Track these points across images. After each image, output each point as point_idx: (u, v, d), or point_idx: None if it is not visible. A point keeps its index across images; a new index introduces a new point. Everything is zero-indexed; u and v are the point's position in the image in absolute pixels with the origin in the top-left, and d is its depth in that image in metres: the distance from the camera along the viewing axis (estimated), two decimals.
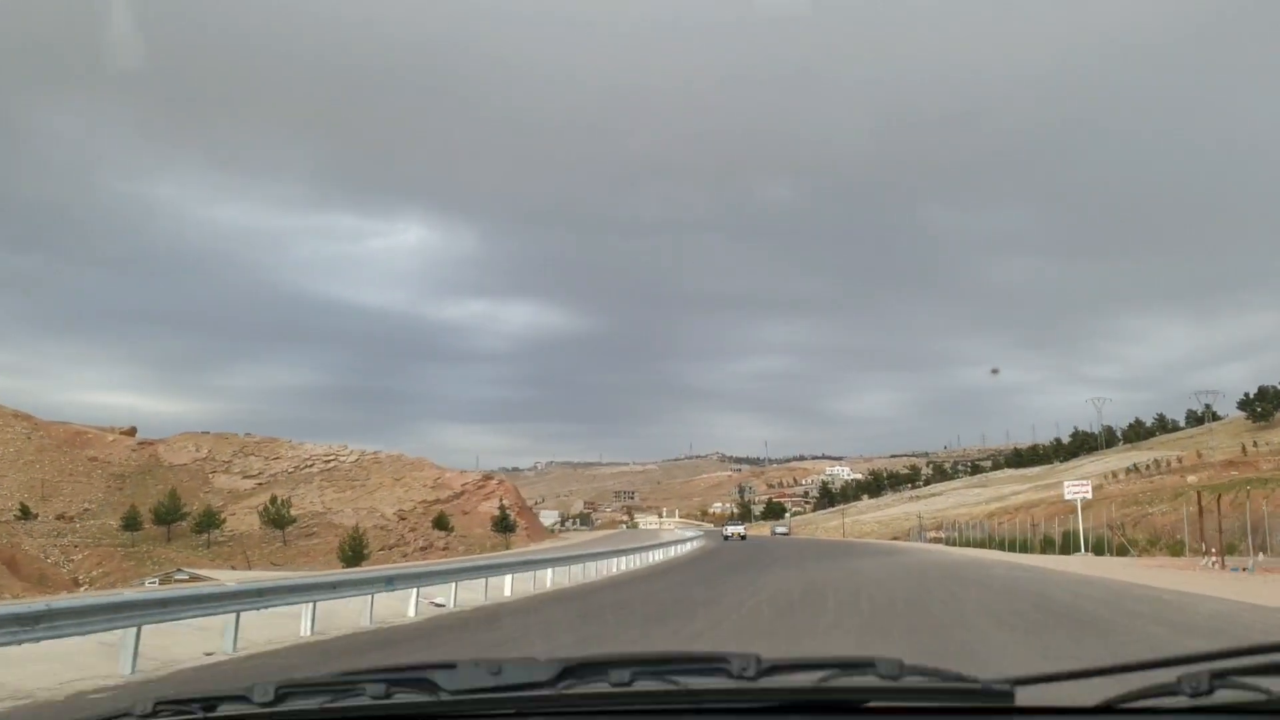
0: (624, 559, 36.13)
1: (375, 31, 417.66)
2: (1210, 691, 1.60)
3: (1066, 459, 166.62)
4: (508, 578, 23.49)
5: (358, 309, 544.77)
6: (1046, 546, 49.05)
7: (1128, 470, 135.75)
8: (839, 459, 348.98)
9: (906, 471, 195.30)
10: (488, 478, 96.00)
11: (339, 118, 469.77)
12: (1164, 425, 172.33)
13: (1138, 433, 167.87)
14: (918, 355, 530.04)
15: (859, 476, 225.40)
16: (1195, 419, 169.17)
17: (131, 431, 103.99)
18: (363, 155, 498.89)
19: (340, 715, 1.95)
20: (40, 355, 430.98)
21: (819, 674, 1.85)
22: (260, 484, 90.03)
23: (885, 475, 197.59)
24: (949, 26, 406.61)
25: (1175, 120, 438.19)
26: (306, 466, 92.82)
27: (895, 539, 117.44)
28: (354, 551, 61.30)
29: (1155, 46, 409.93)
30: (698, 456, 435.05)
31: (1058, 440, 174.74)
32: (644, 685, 1.90)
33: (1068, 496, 47.94)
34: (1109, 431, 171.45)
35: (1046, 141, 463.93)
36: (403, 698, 1.99)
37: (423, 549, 71.17)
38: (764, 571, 30.52)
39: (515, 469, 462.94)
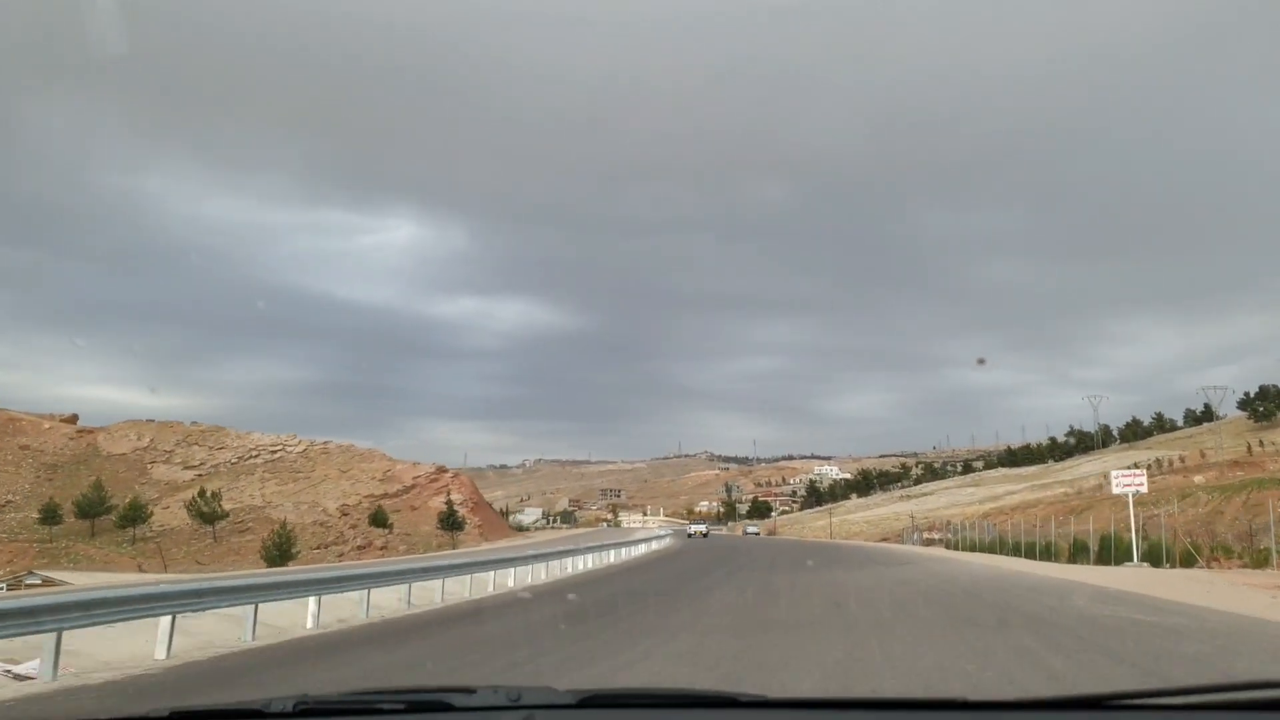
0: (572, 559, 32.77)
1: (366, 28, 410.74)
2: None
3: (1061, 458, 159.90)
4: (437, 582, 20.62)
5: (349, 305, 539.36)
6: (1078, 554, 41.27)
7: (1128, 469, 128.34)
8: (828, 459, 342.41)
9: (896, 470, 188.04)
10: (441, 470, 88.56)
11: (330, 114, 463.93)
12: (1161, 425, 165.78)
13: (1135, 432, 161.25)
14: (908, 356, 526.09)
15: (848, 476, 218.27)
16: (1194, 418, 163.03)
17: (73, 419, 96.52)
18: (354, 152, 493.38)
19: None
20: (32, 350, 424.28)
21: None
22: (200, 475, 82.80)
23: (875, 474, 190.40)
24: (942, 28, 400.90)
25: (1166, 124, 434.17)
26: (251, 457, 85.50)
27: (885, 540, 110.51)
28: (280, 550, 54.09)
29: (1146, 50, 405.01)
30: (686, 455, 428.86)
31: (1052, 439, 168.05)
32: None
33: (1117, 490, 39.79)
34: (1105, 431, 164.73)
35: (1038, 144, 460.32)
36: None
37: (360, 548, 64.20)
38: (710, 593, 22.69)
39: (504, 466, 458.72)
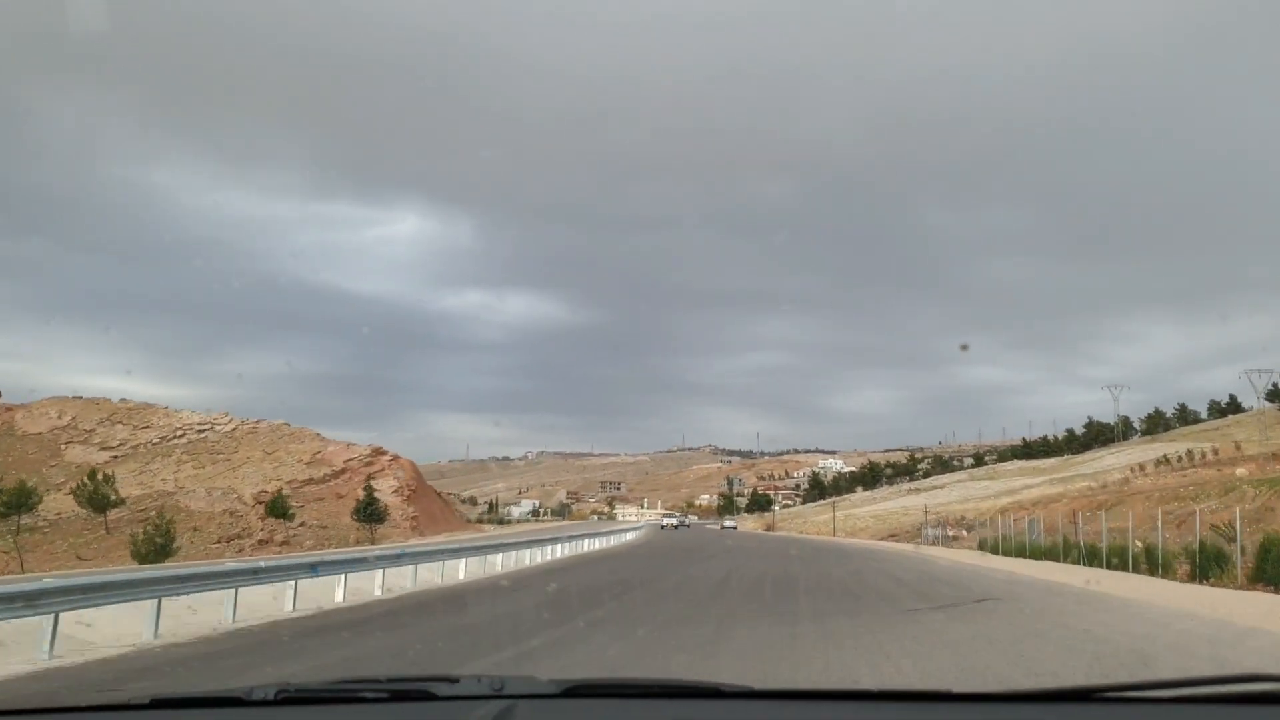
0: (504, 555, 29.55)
1: (373, 23, 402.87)
2: None
3: (1078, 451, 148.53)
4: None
5: (355, 297, 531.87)
6: (1213, 565, 26.98)
7: (1156, 462, 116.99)
8: (832, 453, 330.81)
9: (904, 462, 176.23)
10: (378, 452, 77.56)
11: (335, 107, 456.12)
12: (1184, 417, 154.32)
13: (1157, 424, 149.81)
14: (912, 353, 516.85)
15: (852, 469, 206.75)
16: (1218, 410, 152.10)
17: None
18: (360, 145, 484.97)
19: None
20: (38, 340, 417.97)
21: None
22: (116, 457, 72.56)
23: (882, 467, 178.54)
24: (945, 26, 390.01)
25: (1171, 122, 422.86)
26: (176, 437, 75.13)
27: (893, 536, 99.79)
28: (155, 546, 43.42)
29: (1151, 49, 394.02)
30: (690, 449, 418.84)
31: (1070, 432, 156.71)
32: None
33: None
34: (1125, 423, 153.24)
35: (1040, 142, 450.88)
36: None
37: (262, 542, 53.70)
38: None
39: (506, 458, 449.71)
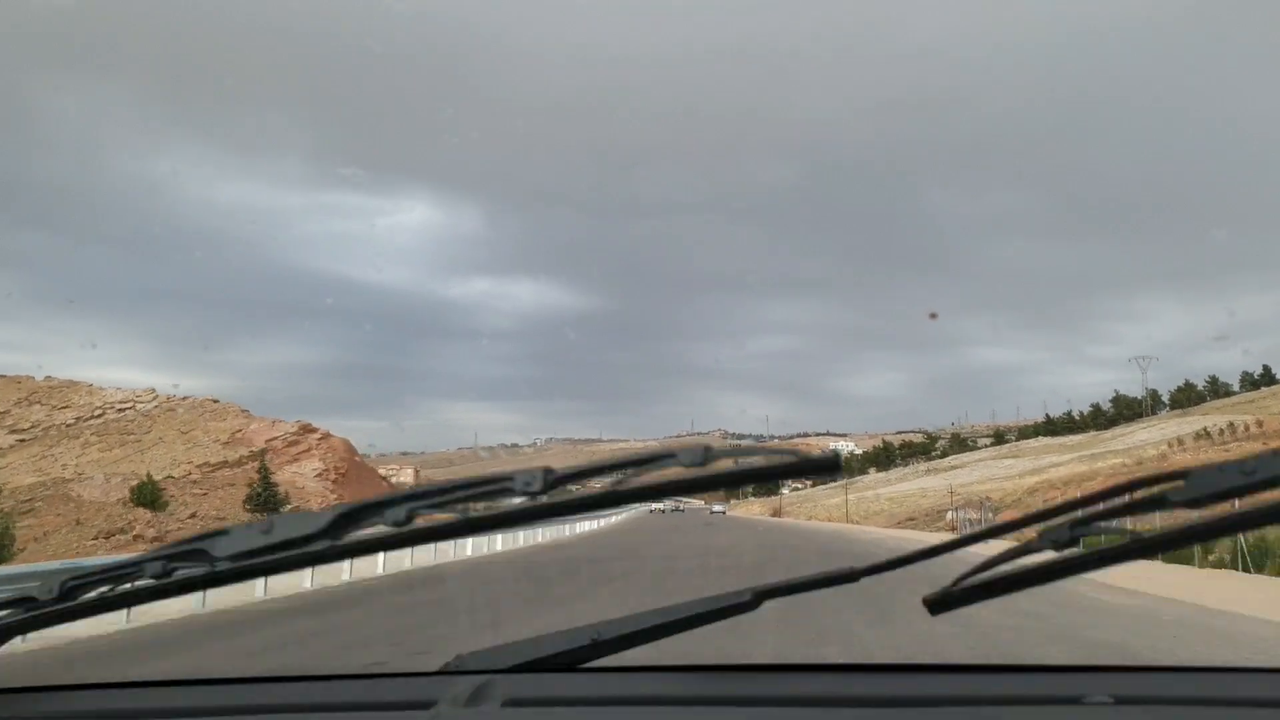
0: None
1: (377, 10, 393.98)
2: (1073, 542, 1.57)
3: (1105, 427, 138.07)
4: None
5: (363, 286, 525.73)
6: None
7: (1196, 436, 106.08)
8: (843, 435, 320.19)
9: (922, 441, 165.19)
10: (306, 430, 67.70)
11: (342, 97, 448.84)
12: (1215, 389, 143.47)
13: (1188, 397, 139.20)
14: (922, 335, 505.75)
15: (864, 451, 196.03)
16: (1250, 382, 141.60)
17: None
18: (366, 134, 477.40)
19: (126, 598, 1.80)
20: (49, 332, 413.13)
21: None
22: (23, 440, 63.37)
23: (897, 446, 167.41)
24: (947, 5, 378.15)
25: (1175, 98, 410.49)
26: (94, 416, 65.78)
27: (910, 520, 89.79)
28: None
29: (1156, 27, 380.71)
30: (699, 433, 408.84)
31: (1095, 407, 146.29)
32: (425, 518, 1.68)
33: None
34: (1154, 397, 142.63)
35: (1045, 122, 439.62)
36: (183, 571, 1.77)
37: (137, 537, 44.20)
38: None
39: (515, 445, 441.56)
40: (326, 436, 67.03)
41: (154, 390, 68.42)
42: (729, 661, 1.92)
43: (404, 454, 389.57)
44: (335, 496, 58.01)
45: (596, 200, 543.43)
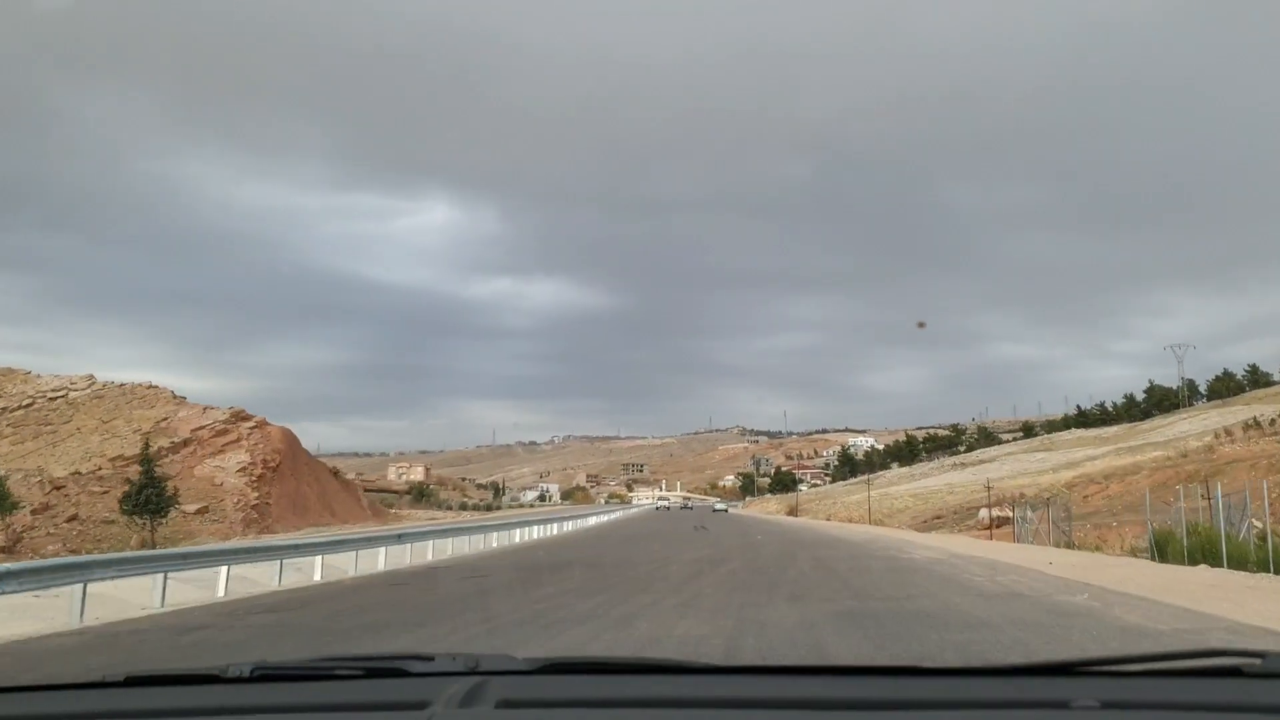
0: None
1: (394, 17, 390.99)
2: None
3: (1139, 419, 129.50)
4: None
5: (386, 287, 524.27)
6: None
7: (1245, 426, 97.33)
8: (862, 431, 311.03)
9: (948, 434, 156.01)
10: (239, 418, 59.52)
11: (361, 100, 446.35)
12: (1256, 379, 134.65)
13: (1227, 387, 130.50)
14: (941, 331, 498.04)
15: (885, 445, 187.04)
16: None
17: None
18: (386, 137, 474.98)
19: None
20: (73, 334, 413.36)
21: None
22: None
23: (921, 440, 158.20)
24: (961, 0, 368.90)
25: (1197, 91, 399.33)
26: (24, 405, 58.82)
27: (938, 518, 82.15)
28: None
29: (1175, 17, 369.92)
30: (718, 430, 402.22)
31: (1129, 398, 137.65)
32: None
33: None
34: (1191, 386, 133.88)
35: (1061, 117, 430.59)
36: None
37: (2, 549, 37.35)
38: None
39: (532, 443, 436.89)
40: (261, 425, 59.38)
41: (93, 377, 61.60)
42: (723, 664, 2.00)
43: (423, 452, 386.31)
44: (256, 496, 50.80)
45: (613, 199, 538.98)
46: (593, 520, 56.30)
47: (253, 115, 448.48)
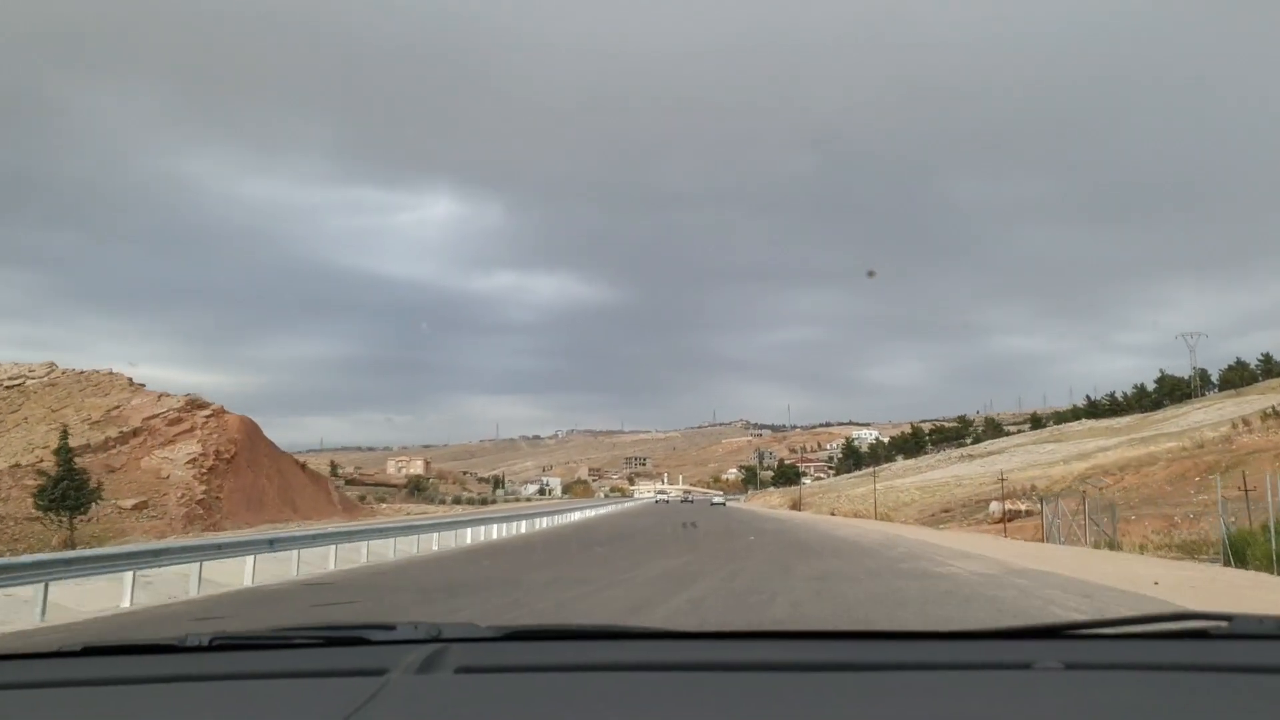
0: None
1: (396, 10, 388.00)
2: None
3: (1150, 409, 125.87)
4: None
5: (388, 281, 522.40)
6: None
7: (1263, 415, 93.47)
8: (866, 425, 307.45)
9: (954, 425, 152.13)
10: (195, 405, 55.74)
11: (362, 93, 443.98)
12: (1269, 368, 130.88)
13: (1241, 376, 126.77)
14: (944, 324, 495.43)
15: (890, 438, 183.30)
16: None
17: None
18: (389, 132, 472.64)
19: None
20: (77, 330, 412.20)
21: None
22: None
23: (927, 432, 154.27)
24: None
25: (1203, 84, 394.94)
26: None
27: (946, 511, 78.81)
28: None
29: (1181, 9, 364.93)
30: (721, 424, 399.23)
31: (1139, 388, 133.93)
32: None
33: None
34: (1203, 376, 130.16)
35: (1065, 110, 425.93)
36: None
37: None
38: None
39: (536, 437, 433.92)
40: (219, 414, 55.28)
41: (54, 364, 57.93)
42: (682, 629, 1.97)
43: (427, 446, 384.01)
44: (204, 489, 47.24)
45: (617, 194, 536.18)
46: (575, 516, 53.54)
47: (256, 111, 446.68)
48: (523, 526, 38.38)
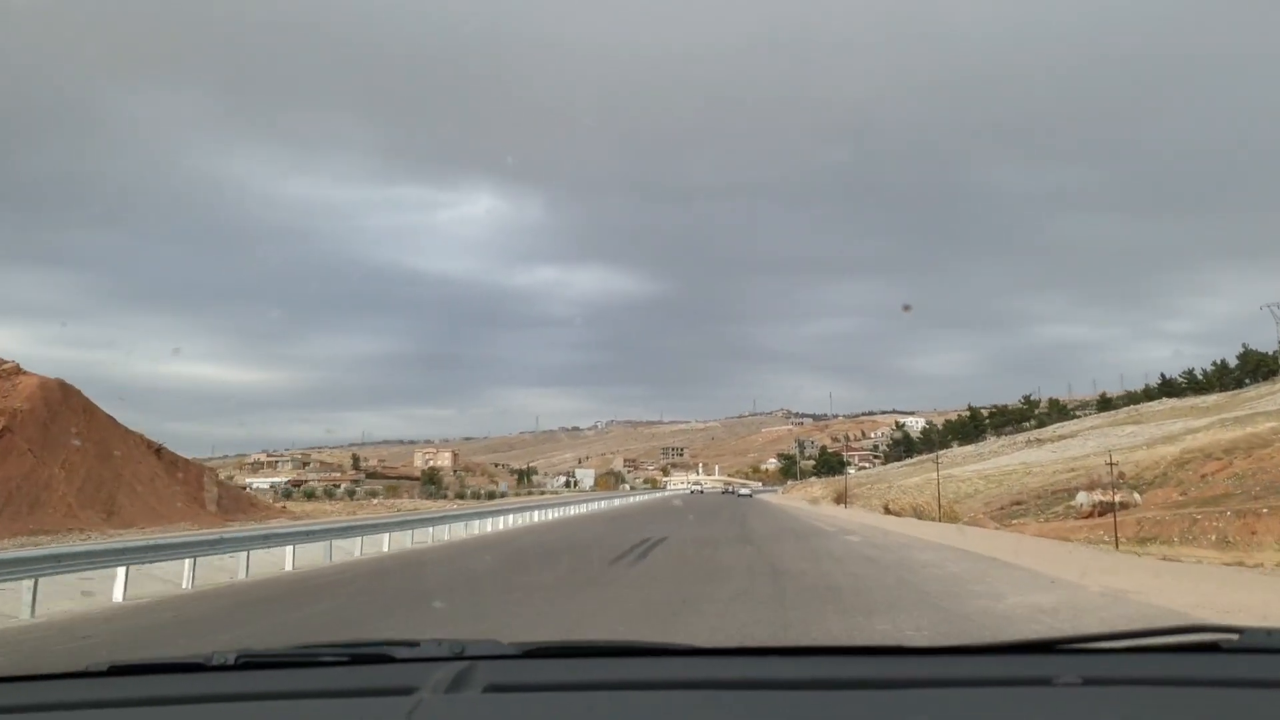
0: None
1: (435, 10, 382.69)
2: None
3: (1235, 385, 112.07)
4: None
5: (431, 278, 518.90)
6: None
7: None
8: (910, 413, 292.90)
9: (1018, 407, 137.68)
10: (14, 372, 43.17)
11: (402, 93, 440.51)
12: None
13: None
14: (986, 312, 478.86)
15: (943, 423, 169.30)
16: None
17: None
18: (427, 129, 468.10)
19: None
20: (126, 329, 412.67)
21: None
22: None
23: (985, 415, 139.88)
24: None
25: (1241, 70, 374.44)
26: None
27: (1016, 504, 66.89)
28: None
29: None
30: (762, 414, 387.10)
31: (1221, 363, 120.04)
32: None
33: None
34: None
35: (1106, 95, 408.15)
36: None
37: None
38: None
39: (576, 428, 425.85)
40: (14, 373, 41.17)
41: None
42: (707, 645, 1.98)
43: (467, 439, 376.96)
44: (70, 490, 34.79)
45: (655, 188, 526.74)
46: (572, 511, 43.21)
47: (299, 111, 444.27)
48: (481, 526, 28.57)
